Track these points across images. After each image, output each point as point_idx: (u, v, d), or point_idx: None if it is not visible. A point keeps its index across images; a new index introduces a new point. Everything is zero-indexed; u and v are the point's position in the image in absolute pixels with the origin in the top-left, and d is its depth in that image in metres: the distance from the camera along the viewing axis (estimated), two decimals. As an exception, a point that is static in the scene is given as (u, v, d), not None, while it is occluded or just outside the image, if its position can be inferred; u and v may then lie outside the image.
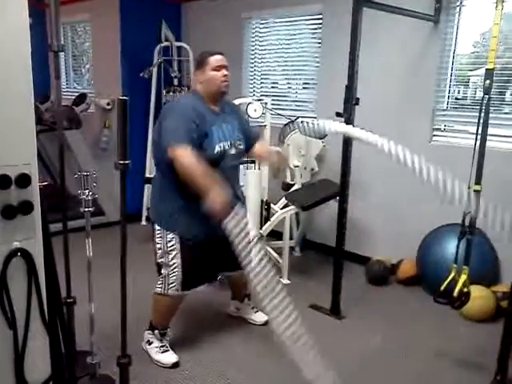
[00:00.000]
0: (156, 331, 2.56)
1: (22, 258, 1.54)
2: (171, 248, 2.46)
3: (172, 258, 2.46)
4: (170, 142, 2.26)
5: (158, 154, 2.46)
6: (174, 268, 2.46)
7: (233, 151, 2.51)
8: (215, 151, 2.40)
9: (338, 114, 2.87)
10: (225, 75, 2.46)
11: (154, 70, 4.55)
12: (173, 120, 2.34)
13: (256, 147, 2.74)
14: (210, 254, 2.53)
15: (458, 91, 3.67)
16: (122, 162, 1.75)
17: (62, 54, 4.60)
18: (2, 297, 1.51)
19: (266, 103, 3.74)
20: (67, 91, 5.79)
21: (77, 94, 4.98)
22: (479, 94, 3.59)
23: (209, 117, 2.43)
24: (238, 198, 2.63)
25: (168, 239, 2.46)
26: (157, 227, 2.51)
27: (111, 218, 4.49)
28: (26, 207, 1.53)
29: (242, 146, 2.58)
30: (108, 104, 4.79)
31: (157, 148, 2.48)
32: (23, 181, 1.52)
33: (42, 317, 1.63)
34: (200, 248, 2.48)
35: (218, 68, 2.45)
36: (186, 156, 2.22)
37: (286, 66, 4.55)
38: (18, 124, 1.50)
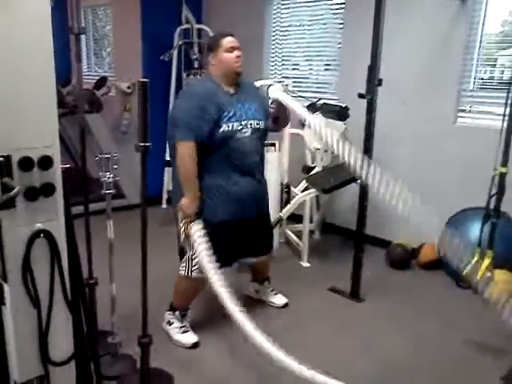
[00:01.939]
0: (177, 312, 2.59)
1: (45, 239, 1.56)
2: (193, 231, 2.47)
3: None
4: (178, 136, 2.35)
5: (171, 140, 2.48)
6: (193, 251, 2.46)
7: (247, 132, 2.46)
8: (221, 130, 2.38)
9: (361, 96, 2.83)
10: (238, 56, 2.45)
11: (175, 53, 4.54)
12: (183, 111, 2.40)
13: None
14: (235, 237, 2.55)
15: (485, 71, 3.57)
16: (142, 144, 1.76)
17: (82, 38, 4.62)
18: (26, 277, 1.55)
19: (287, 85, 3.69)
20: (88, 74, 5.82)
21: (98, 78, 5.01)
22: (506, 74, 3.50)
23: (221, 99, 2.42)
24: (260, 182, 2.62)
25: (190, 223, 2.47)
26: (179, 212, 2.55)
27: (132, 201, 4.53)
28: (48, 189, 1.54)
29: (260, 126, 2.54)
30: (128, 87, 4.79)
31: (170, 134, 2.49)
32: (45, 163, 1.52)
33: (65, 296, 1.66)
34: (223, 231, 2.49)
35: (230, 49, 2.44)
36: (186, 156, 2.34)
37: (307, 47, 4.48)
38: (40, 107, 1.50)
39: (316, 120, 2.38)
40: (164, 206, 4.64)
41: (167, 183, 4.63)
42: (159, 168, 4.53)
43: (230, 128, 2.41)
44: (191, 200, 2.39)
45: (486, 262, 2.55)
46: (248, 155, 2.49)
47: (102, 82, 4.73)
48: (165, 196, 4.66)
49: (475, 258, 2.59)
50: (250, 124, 2.48)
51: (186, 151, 2.33)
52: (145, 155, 1.79)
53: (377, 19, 2.73)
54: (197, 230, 2.33)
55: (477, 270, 2.57)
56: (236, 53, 2.45)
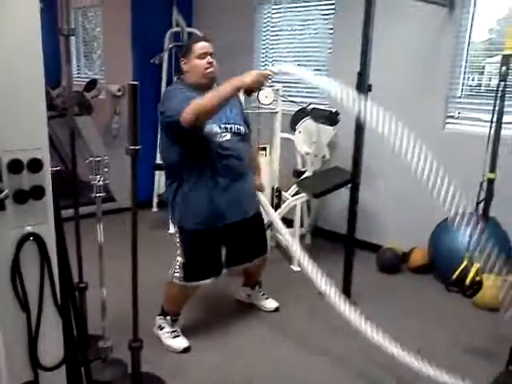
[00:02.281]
0: (168, 317, 2.58)
1: (35, 243, 1.55)
2: (176, 238, 2.50)
3: (178, 248, 2.48)
4: (177, 110, 2.20)
5: (165, 143, 2.45)
6: (177, 258, 2.48)
7: (226, 135, 2.40)
8: (202, 134, 2.32)
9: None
10: (209, 62, 2.39)
11: (165, 56, 4.54)
12: (171, 98, 2.32)
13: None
14: (218, 247, 2.53)
15: (473, 79, 3.61)
16: (132, 147, 1.76)
17: (72, 39, 4.60)
18: (15, 281, 1.53)
19: (277, 90, 3.71)
20: (78, 77, 5.79)
21: (88, 80, 4.98)
22: (493, 81, 3.54)
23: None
24: (245, 185, 2.55)
25: (175, 229, 2.51)
26: (169, 216, 2.58)
27: (122, 204, 4.51)
28: (37, 192, 1.53)
29: (241, 131, 2.48)
30: (119, 90, 4.78)
31: (163, 138, 2.46)
32: (35, 166, 1.51)
33: (55, 301, 1.65)
34: (204, 239, 2.47)
35: (202, 55, 2.38)
36: (195, 103, 2.17)
37: (297, 52, 4.50)
38: (29, 109, 1.50)
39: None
40: (155, 209, 4.62)
41: (157, 187, 4.62)
42: (149, 171, 4.51)
43: (209, 130, 2.35)
44: (239, 77, 2.18)
45: (475, 266, 2.57)
46: (230, 158, 2.41)
47: (92, 84, 4.71)
48: (155, 200, 4.64)
49: (465, 263, 2.62)
50: (230, 128, 2.43)
51: (192, 106, 2.16)
52: (135, 158, 1.79)
53: (366, 26, 2.75)
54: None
55: (466, 275, 2.60)
56: (207, 59, 2.39)
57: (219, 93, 2.18)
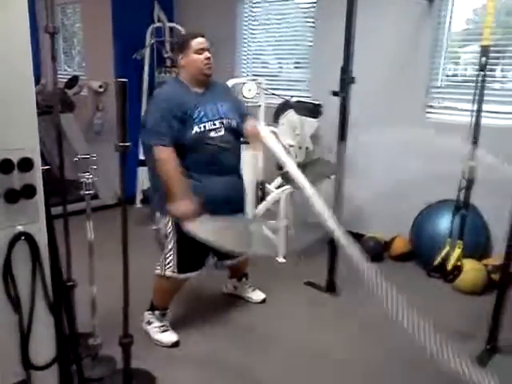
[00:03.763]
0: (156, 312, 2.59)
1: (26, 242, 1.56)
2: (168, 231, 2.49)
3: (169, 241, 2.49)
4: (152, 141, 2.32)
5: (145, 142, 2.46)
6: (171, 250, 2.49)
7: (220, 130, 2.44)
8: (194, 131, 2.37)
9: (335, 93, 2.88)
10: (207, 58, 2.43)
11: (147, 52, 4.51)
12: (153, 115, 2.37)
13: (246, 126, 2.63)
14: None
15: (450, 69, 3.68)
16: (121, 144, 1.77)
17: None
18: (6, 280, 1.53)
19: (260, 83, 3.73)
20: (59, 74, 5.71)
21: (68, 77, 4.93)
22: (470, 71, 3.62)
23: (191, 100, 2.40)
24: (236, 181, 2.62)
25: (165, 223, 2.50)
26: (156, 213, 2.57)
27: (106, 202, 4.50)
28: (29, 191, 1.54)
29: (233, 124, 2.52)
30: (100, 86, 4.74)
31: (144, 138, 2.47)
32: (26, 165, 1.52)
33: (47, 299, 1.65)
34: None
35: (200, 51, 2.42)
36: (166, 160, 2.30)
37: (278, 45, 4.53)
38: (19, 108, 1.50)
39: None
40: (138, 205, 4.61)
41: (141, 182, 4.61)
42: (133, 167, 4.50)
43: (203, 129, 2.39)
44: (183, 200, 2.30)
45: (457, 251, 2.65)
46: (223, 154, 2.47)
47: (73, 81, 4.66)
48: (139, 196, 4.64)
49: (446, 248, 2.69)
50: (223, 122, 2.46)
51: (166, 155, 2.30)
52: (125, 155, 1.80)
53: (349, 19, 2.78)
54: (202, 226, 2.26)
55: (447, 261, 2.68)
56: (205, 54, 2.43)
57: (169, 185, 2.33)
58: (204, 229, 2.22)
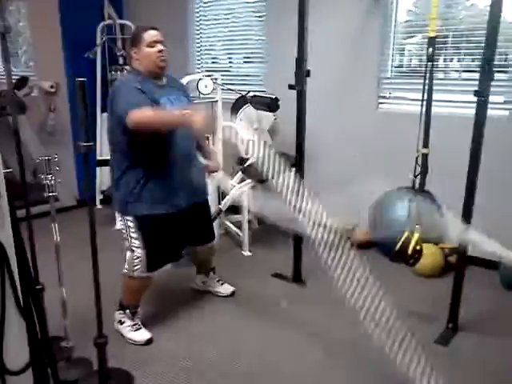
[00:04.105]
0: (127, 310, 2.59)
1: (-7, 248, 1.53)
2: (132, 231, 2.48)
3: (134, 241, 2.48)
4: (125, 111, 2.22)
5: (114, 134, 2.42)
6: (137, 250, 2.48)
7: None
8: None
9: (291, 87, 2.94)
10: (160, 50, 2.42)
11: (98, 50, 4.43)
12: (121, 96, 2.33)
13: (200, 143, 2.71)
14: (174, 231, 2.56)
15: (400, 60, 3.82)
16: (85, 143, 1.76)
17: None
18: (-25, 286, 1.50)
19: (216, 79, 3.74)
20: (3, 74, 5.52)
21: (16, 78, 4.76)
22: (415, 61, 3.77)
23: (155, 90, 2.40)
24: (191, 171, 2.59)
25: (128, 224, 2.49)
26: (116, 214, 2.56)
27: (65, 203, 4.40)
28: (-8, 196, 1.51)
29: None
30: (52, 87, 4.62)
31: (112, 129, 2.43)
32: (-13, 169, 1.49)
33: (17, 303, 1.63)
34: (162, 226, 2.49)
35: (153, 43, 2.41)
36: (143, 112, 2.21)
37: (229, 40, 4.57)
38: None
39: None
40: (99, 206, 4.54)
41: (100, 183, 4.53)
42: (91, 168, 4.41)
43: None
44: (189, 116, 2.21)
45: (416, 237, 2.76)
46: (177, 145, 2.46)
47: (22, 82, 4.51)
48: (99, 196, 4.56)
49: (406, 234, 2.80)
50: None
51: (140, 111, 2.20)
52: (88, 155, 1.79)
53: (301, 14, 2.84)
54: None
55: (407, 246, 2.79)
56: (158, 47, 2.42)
57: (166, 120, 2.29)
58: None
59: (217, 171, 2.84)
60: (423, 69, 2.61)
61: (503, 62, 3.28)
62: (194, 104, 2.77)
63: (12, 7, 5.49)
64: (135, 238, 2.48)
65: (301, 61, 2.91)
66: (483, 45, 2.25)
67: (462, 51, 3.51)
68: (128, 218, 2.48)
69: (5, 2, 1.95)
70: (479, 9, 3.38)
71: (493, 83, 2.26)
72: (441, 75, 3.60)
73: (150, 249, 2.48)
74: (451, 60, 3.61)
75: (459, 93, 3.39)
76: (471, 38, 3.37)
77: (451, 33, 3.48)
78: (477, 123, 2.28)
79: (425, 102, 2.61)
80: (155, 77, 2.46)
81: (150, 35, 2.42)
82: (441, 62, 3.59)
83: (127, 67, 4.28)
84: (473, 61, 3.44)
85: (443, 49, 3.52)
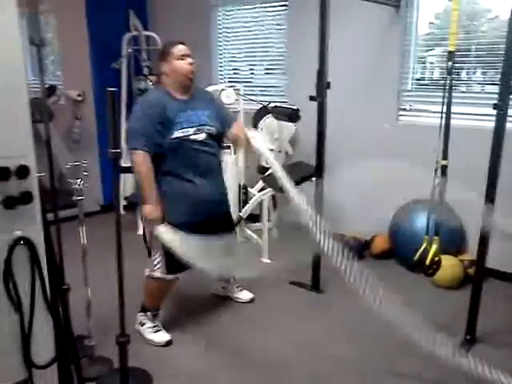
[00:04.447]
0: (148, 313, 2.65)
1: (25, 246, 1.61)
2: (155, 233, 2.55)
3: (157, 243, 2.54)
4: (130, 145, 2.43)
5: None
6: (158, 252, 2.56)
7: (200, 136, 2.53)
8: (173, 136, 2.46)
9: (312, 98, 3.00)
10: (190, 63, 2.52)
11: (124, 60, 4.56)
12: (134, 122, 2.48)
13: (233, 129, 2.74)
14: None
15: (419, 72, 3.84)
16: (113, 150, 1.84)
17: (26, 46, 4.54)
18: (8, 283, 1.58)
19: (238, 89, 3.82)
20: (34, 84, 5.70)
21: (45, 87, 4.93)
22: (436, 74, 3.79)
23: (174, 107, 2.48)
24: (216, 184, 2.68)
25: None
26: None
27: (88, 209, 4.49)
28: (26, 197, 1.59)
29: (213, 131, 2.60)
30: (79, 95, 4.77)
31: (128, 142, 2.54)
32: (22, 172, 1.57)
33: (46, 301, 1.71)
34: (187, 231, 2.55)
35: (182, 57, 2.51)
36: (141, 165, 2.40)
37: (251, 51, 4.65)
38: (15, 117, 1.56)
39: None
40: (122, 212, 4.63)
41: (123, 189, 4.63)
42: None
43: (182, 134, 2.47)
44: (152, 206, 2.45)
45: (434, 247, 2.78)
46: (202, 158, 2.55)
47: (50, 90, 4.67)
48: (122, 202, 4.65)
49: (424, 245, 2.82)
50: (202, 129, 2.54)
51: (140, 160, 2.40)
52: (117, 161, 1.87)
53: (322, 26, 2.90)
54: (165, 232, 2.40)
55: (426, 256, 2.81)
56: (188, 60, 2.52)
57: (144, 188, 2.46)
58: (170, 237, 2.38)
59: (241, 137, 2.74)
60: (443, 82, 2.65)
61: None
62: (222, 107, 2.86)
63: (42, 19, 5.67)
64: (158, 241, 2.54)
65: (321, 73, 2.96)
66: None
67: (484, 64, 3.53)
68: None
69: (39, 16, 2.05)
70: (502, 21, 3.39)
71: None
72: (462, 88, 3.62)
73: (169, 253, 2.54)
74: (474, 73, 3.63)
75: (481, 106, 3.39)
76: (493, 51, 3.38)
77: (474, 46, 3.50)
78: (496, 136, 2.29)
79: (444, 115, 2.64)
80: (183, 90, 2.55)
81: (179, 49, 2.52)
82: (463, 75, 3.61)
83: (151, 77, 4.40)
84: (495, 74, 3.45)
85: (465, 62, 3.54)
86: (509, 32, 2.20)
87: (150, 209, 2.44)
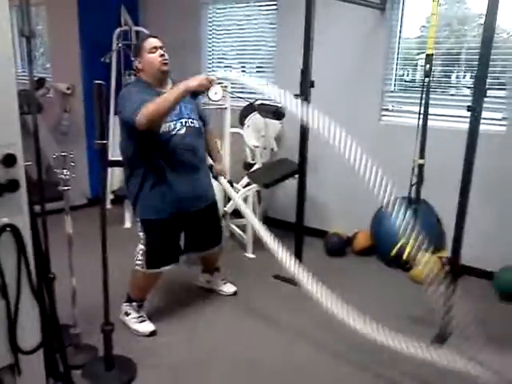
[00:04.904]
0: (134, 303, 2.71)
1: (12, 233, 1.65)
2: (139, 229, 2.63)
3: (141, 238, 2.62)
4: (130, 113, 2.33)
5: (122, 138, 2.58)
6: (141, 246, 2.62)
7: (181, 129, 2.55)
8: (161, 130, 2.48)
9: (295, 96, 3.06)
10: (161, 55, 2.54)
11: (114, 54, 4.60)
12: (126, 100, 2.44)
13: (209, 145, 2.91)
14: (177, 234, 2.70)
15: (403, 74, 3.92)
16: (100, 141, 1.89)
17: (16, 38, 4.55)
18: (-6, 269, 1.63)
19: (226, 86, 3.88)
20: (23, 75, 5.70)
21: (35, 79, 4.94)
22: (418, 76, 3.87)
23: (155, 98, 2.47)
24: (199, 177, 2.71)
25: (137, 221, 2.65)
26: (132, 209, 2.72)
27: (74, 202, 4.54)
28: (13, 185, 1.64)
29: (195, 125, 2.64)
30: (68, 88, 4.79)
31: (121, 134, 2.58)
32: (10, 160, 1.62)
33: (31, 287, 1.75)
34: (165, 230, 2.62)
35: (153, 50, 2.54)
36: (147, 108, 2.30)
37: (241, 49, 4.70)
38: (3, 108, 1.60)
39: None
40: (109, 206, 4.67)
41: (111, 183, 4.67)
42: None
43: (166, 129, 2.50)
44: (186, 82, 2.37)
45: (410, 243, 2.86)
46: (185, 152, 2.57)
47: (39, 83, 4.68)
48: (109, 196, 4.69)
49: (401, 241, 2.90)
50: (185, 122, 2.58)
51: (144, 111, 2.29)
52: (104, 152, 1.92)
53: (307, 25, 2.97)
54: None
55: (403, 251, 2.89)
56: (159, 52, 2.54)
57: (168, 97, 2.36)
58: None
59: (222, 175, 3.01)
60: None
61: (502, 80, 3.38)
62: (200, 105, 2.90)
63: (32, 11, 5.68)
64: (142, 235, 2.62)
65: (305, 71, 3.04)
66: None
67: (463, 68, 3.63)
68: (137, 217, 2.64)
69: (30, 7, 2.09)
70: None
71: (492, 100, 2.36)
72: (440, 90, 3.71)
73: (149, 249, 2.61)
74: (464, 76, 3.71)
75: (458, 108, 3.47)
76: (473, 55, 3.47)
77: (464, 50, 3.58)
78: (470, 137, 2.38)
79: (421, 116, 2.73)
80: (160, 83, 2.58)
81: (150, 42, 2.56)
82: (454, 78, 3.70)
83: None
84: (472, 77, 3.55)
85: (456, 65, 3.63)
86: (483, 36, 2.27)
87: (192, 81, 2.37)
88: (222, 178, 3.06)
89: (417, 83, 3.83)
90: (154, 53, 2.54)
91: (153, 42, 2.56)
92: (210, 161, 3.01)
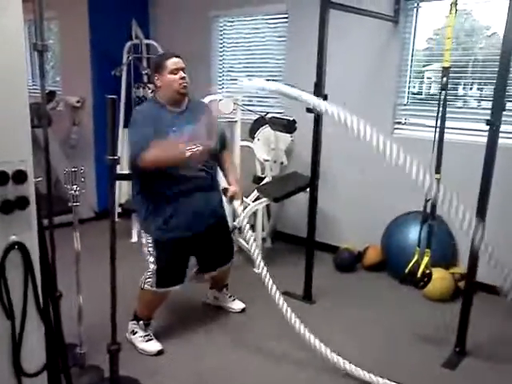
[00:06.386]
0: (140, 322, 2.65)
1: (19, 251, 1.61)
2: (149, 247, 2.59)
3: (149, 257, 2.58)
4: (136, 155, 2.37)
5: (129, 163, 2.54)
6: (151, 265, 2.58)
7: (192, 148, 2.48)
8: None
9: (309, 110, 3.02)
10: (182, 77, 2.52)
11: (124, 68, 4.59)
12: (133, 134, 2.46)
13: (223, 168, 2.83)
14: (187, 254, 2.66)
15: (414, 86, 3.88)
16: (111, 157, 1.86)
17: (27, 51, 4.57)
18: (0, 287, 1.58)
19: (236, 99, 3.85)
20: (34, 89, 5.72)
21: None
22: (433, 89, 3.83)
23: (167, 119, 2.49)
24: (209, 196, 2.66)
25: (147, 239, 2.60)
26: (140, 228, 2.70)
27: (83, 215, 4.51)
28: (22, 202, 1.59)
29: (201, 148, 2.54)
30: (78, 101, 4.79)
31: (129, 158, 2.55)
32: (20, 177, 1.58)
33: (38, 307, 1.70)
34: (175, 250, 2.58)
35: (175, 71, 2.51)
36: (148, 152, 2.33)
37: (250, 62, 4.69)
38: (14, 122, 1.56)
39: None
40: (117, 219, 4.62)
41: (118, 196, 4.64)
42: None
43: None
44: (182, 149, 2.40)
45: (425, 260, 2.80)
46: (193, 170, 2.54)
47: (50, 96, 4.69)
48: (117, 209, 4.66)
49: (415, 258, 2.84)
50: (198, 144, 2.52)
51: (147, 152, 2.33)
52: (114, 167, 1.88)
53: (320, 38, 2.93)
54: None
55: (417, 269, 2.82)
56: (180, 74, 2.51)
57: (170, 154, 2.42)
58: None
59: (235, 197, 2.80)
60: (438, 96, 2.68)
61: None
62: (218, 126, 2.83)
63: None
64: (150, 254, 2.58)
65: (319, 85, 3.00)
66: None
67: (481, 80, 3.58)
68: (146, 234, 2.59)
69: (43, 22, 2.07)
70: (499, 37, 3.43)
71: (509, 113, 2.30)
72: (458, 103, 3.66)
73: (160, 268, 2.56)
74: (471, 89, 3.67)
75: (476, 121, 3.44)
76: (490, 68, 3.41)
77: (471, 62, 3.55)
78: (488, 151, 2.32)
79: (438, 129, 2.67)
80: (175, 103, 2.55)
81: (172, 62, 2.52)
82: (460, 91, 3.65)
83: (150, 85, 4.42)
84: (491, 90, 3.49)
85: (462, 78, 3.58)
86: (503, 48, 2.23)
87: (182, 148, 2.40)
88: (235, 203, 2.83)
89: (430, 96, 3.79)
90: (175, 74, 2.51)
91: (176, 62, 2.53)
92: (224, 183, 2.88)
